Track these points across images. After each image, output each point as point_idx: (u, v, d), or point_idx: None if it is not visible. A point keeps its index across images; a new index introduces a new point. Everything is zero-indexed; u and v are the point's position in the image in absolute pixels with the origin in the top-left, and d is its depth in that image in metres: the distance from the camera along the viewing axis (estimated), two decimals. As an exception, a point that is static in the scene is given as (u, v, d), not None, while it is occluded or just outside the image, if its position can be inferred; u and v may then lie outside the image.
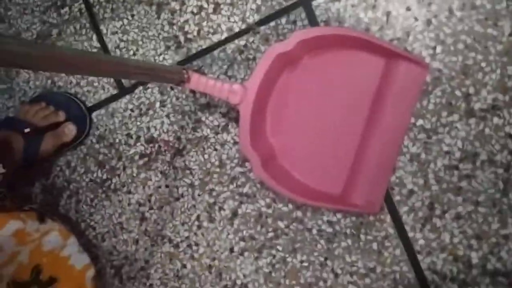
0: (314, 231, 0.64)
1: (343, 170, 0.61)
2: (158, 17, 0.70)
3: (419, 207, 0.60)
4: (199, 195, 0.69)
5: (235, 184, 0.67)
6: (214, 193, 0.68)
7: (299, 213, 0.64)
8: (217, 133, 0.68)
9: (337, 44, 0.60)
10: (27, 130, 0.68)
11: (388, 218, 0.61)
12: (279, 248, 0.65)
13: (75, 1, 0.74)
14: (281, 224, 0.65)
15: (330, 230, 0.63)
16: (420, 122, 0.60)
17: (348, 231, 0.62)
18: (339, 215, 0.63)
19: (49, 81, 0.76)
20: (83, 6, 0.73)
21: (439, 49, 0.60)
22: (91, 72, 0.48)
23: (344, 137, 0.62)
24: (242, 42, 0.66)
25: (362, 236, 0.62)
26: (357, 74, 0.61)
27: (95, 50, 0.73)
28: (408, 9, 0.61)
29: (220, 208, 0.68)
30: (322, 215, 0.63)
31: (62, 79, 0.76)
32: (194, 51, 0.68)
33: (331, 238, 0.63)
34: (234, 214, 0.67)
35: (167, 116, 0.70)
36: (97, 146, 0.73)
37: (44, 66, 0.37)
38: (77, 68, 0.42)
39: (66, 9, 0.74)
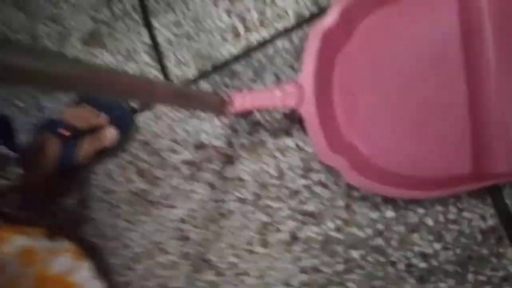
0: (401, 266, 0.48)
1: (463, 140, 0.46)
2: (215, 5, 0.61)
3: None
4: (251, 212, 0.56)
5: (296, 200, 0.54)
6: (269, 211, 0.55)
7: (380, 241, 0.50)
8: (276, 137, 0.56)
9: None
10: (67, 133, 0.61)
11: (510, 252, 0.44)
12: (352, 285, 0.50)
13: (129, -4, 0.68)
14: (355, 254, 0.50)
15: (424, 265, 0.47)
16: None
17: (450, 267, 0.46)
18: (437, 245, 0.47)
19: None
20: (136, 0, 0.67)
21: None
22: (106, 93, 0.39)
23: (445, 100, 0.47)
24: (311, 30, 0.56)
25: (470, 276, 0.45)
26: (430, 24, 0.47)
27: (145, 46, 0.66)
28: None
29: (277, 230, 0.55)
30: (413, 245, 0.48)
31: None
32: (254, 42, 0.59)
33: (425, 276, 0.47)
34: (294, 237, 0.54)
35: (219, 117, 0.60)
36: (140, 153, 0.64)
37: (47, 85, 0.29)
38: (93, 88, 0.33)
39: (119, 5, 0.69)
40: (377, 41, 0.50)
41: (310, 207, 0.53)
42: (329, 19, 0.46)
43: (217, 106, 0.46)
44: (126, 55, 0.67)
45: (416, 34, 0.48)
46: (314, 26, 0.46)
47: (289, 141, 0.55)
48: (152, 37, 0.66)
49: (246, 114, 0.58)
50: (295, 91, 0.46)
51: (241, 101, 0.47)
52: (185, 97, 0.42)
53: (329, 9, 0.46)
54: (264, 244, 0.55)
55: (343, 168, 0.45)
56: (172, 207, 0.61)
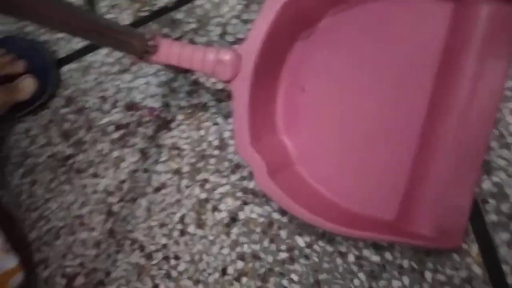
0: (351, 258, 0.42)
1: (398, 183, 0.39)
2: None
3: (527, 236, 0.37)
4: (187, 186, 0.48)
5: (238, 175, 0.46)
6: (208, 186, 0.47)
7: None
8: (220, 101, 0.48)
9: None
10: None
11: (474, 249, 0.38)
12: (294, 277, 0.43)
13: None
14: (300, 241, 0.43)
15: (376, 259, 0.41)
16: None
17: (405, 263, 0.40)
18: (391, 236, 0.40)
19: (16, 26, 0.58)
20: None
21: None
22: (24, 15, 0.29)
23: (396, 132, 0.40)
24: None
25: (428, 274, 0.39)
26: (410, 33, 0.39)
27: (74, -17, 0.55)
28: None
29: (215, 208, 0.47)
30: (365, 233, 0.41)
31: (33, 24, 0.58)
32: (199, -16, 0.49)
33: (377, 272, 0.40)
34: (233, 218, 0.46)
35: (156, 74, 0.50)
36: (63, 110, 0.55)
37: None
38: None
39: None
40: (346, 38, 0.41)
41: (253, 184, 0.46)
42: None
43: (139, 48, 0.36)
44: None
45: (390, 47, 0.40)
46: None
47: (233, 106, 0.47)
48: (82, -27, 0.55)
49: (185, 70, 0.49)
50: (233, 60, 0.37)
51: (166, 51, 0.37)
52: (102, 29, 0.33)
53: None
54: (200, 224, 0.47)
55: (258, 170, 0.37)
56: (97, 176, 0.52)
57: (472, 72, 0.36)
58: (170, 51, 0.37)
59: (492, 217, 0.38)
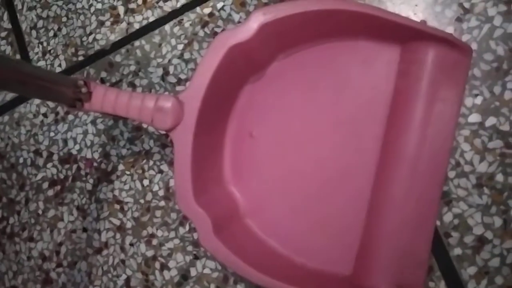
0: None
1: (353, 235, 0.36)
2: (89, -19, 0.48)
3: (495, 269, 0.34)
4: (131, 244, 0.43)
5: (187, 228, 0.42)
6: (155, 242, 0.42)
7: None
8: (164, 146, 0.44)
9: (322, 33, 0.37)
10: None
11: (441, 286, 0.35)
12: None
13: (-16, -31, 0.53)
14: (259, 296, 0.39)
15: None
16: (491, 121, 0.36)
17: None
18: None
19: None
20: (-7, -26, 0.53)
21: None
22: None
23: (349, 182, 0.37)
24: (207, 10, 0.44)
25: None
26: (359, 78, 0.38)
27: (4, 32, 0.51)
28: None
29: (163, 267, 0.42)
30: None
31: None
32: (137, 26, 0.46)
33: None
34: (185, 276, 0.41)
35: (93, 122, 0.46)
36: (-7, 168, 0.49)
37: None
38: None
39: (-28, -21, 0.54)
40: (290, 90, 0.39)
41: (204, 235, 0.41)
42: (244, 32, 0.33)
43: (70, 95, 0.33)
44: (-24, 42, 0.52)
45: (341, 92, 0.38)
46: (220, 34, 0.34)
47: (179, 151, 0.43)
48: (13, 21, 0.51)
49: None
50: (172, 108, 0.33)
51: (101, 99, 0.34)
52: (24, 77, 0.29)
53: (247, 19, 0.34)
54: (148, 286, 0.42)
55: (202, 227, 0.33)
56: (32, 240, 0.46)
57: (422, 117, 0.34)
58: (105, 98, 0.34)
59: (457, 251, 0.35)
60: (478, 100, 0.36)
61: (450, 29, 0.37)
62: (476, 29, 0.37)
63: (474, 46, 0.37)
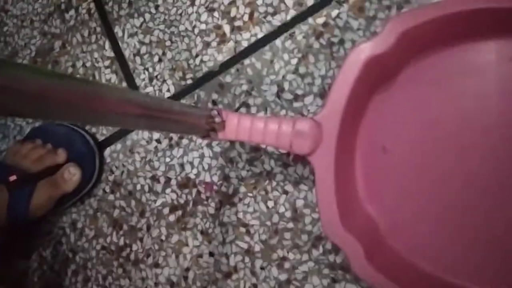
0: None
1: (495, 249, 0.33)
2: (192, 3, 0.48)
3: None
4: (262, 268, 0.42)
5: (321, 249, 0.40)
6: (287, 265, 0.41)
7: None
8: (286, 166, 0.42)
9: (456, 34, 0.34)
10: (12, 178, 0.47)
11: None
12: None
13: (83, 0, 0.54)
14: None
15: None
16: None
17: None
18: None
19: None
20: (92, 5, 0.54)
21: None
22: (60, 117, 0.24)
23: (501, 193, 0.34)
24: (321, 20, 0.42)
25: None
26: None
27: (107, 61, 0.52)
28: None
29: (299, 291, 0.41)
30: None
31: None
32: (245, 44, 0.45)
33: None
34: (324, 300, 0.40)
35: (209, 145, 0.46)
36: (111, 197, 0.50)
37: None
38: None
39: (72, 12, 0.55)
40: (424, 98, 0.36)
41: (341, 257, 0.40)
42: (382, 42, 0.31)
43: (202, 126, 0.32)
44: (84, 73, 0.53)
45: (492, 85, 0.35)
46: (357, 47, 0.32)
47: (303, 170, 0.42)
48: (115, 48, 0.52)
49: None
50: (310, 132, 0.32)
51: (235, 126, 0.33)
52: (160, 112, 0.28)
53: (382, 29, 0.32)
54: (283, 310, 0.41)
55: (354, 255, 0.31)
56: (157, 265, 0.47)
57: None
58: (239, 126, 0.33)
59: None
60: None
61: None
62: None
63: None
